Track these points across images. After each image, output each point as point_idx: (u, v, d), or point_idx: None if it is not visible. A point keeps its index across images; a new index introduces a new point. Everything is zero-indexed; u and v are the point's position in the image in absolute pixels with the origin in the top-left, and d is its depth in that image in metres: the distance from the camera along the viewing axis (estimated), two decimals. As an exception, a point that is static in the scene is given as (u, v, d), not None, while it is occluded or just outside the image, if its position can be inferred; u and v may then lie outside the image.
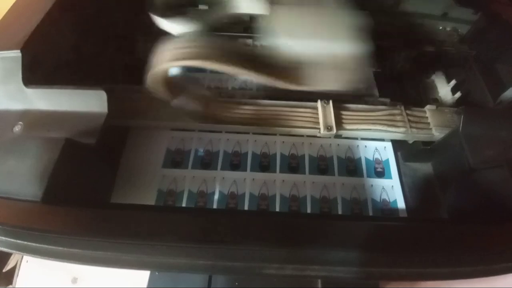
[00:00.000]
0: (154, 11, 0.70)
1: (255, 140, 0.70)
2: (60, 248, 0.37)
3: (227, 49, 0.57)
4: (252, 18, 0.83)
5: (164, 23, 0.67)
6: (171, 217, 0.41)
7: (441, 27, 0.86)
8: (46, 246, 0.37)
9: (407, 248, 0.39)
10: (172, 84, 0.61)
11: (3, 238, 0.38)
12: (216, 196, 0.64)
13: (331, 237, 0.39)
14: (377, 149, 0.71)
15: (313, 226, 0.41)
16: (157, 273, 0.67)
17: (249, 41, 0.83)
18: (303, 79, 0.58)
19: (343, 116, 0.66)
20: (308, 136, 0.70)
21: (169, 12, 0.72)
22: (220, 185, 0.65)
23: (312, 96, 0.67)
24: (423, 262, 0.38)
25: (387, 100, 0.73)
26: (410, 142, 0.68)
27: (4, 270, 0.94)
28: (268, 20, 0.63)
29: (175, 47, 0.54)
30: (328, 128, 0.63)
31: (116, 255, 0.36)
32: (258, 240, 0.38)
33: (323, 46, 0.58)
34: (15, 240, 0.38)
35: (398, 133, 0.65)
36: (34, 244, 0.37)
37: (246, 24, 0.84)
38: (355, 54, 0.57)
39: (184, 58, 0.53)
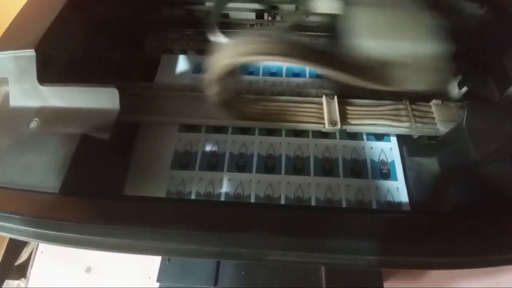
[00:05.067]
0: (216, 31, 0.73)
1: (261, 142, 0.71)
2: (77, 235, 0.39)
3: (306, 46, 0.56)
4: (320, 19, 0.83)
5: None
6: (182, 208, 0.44)
7: (447, 21, 0.86)
8: (65, 234, 0.40)
9: (407, 237, 0.41)
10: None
11: (24, 228, 0.41)
12: (222, 198, 0.65)
13: (331, 226, 0.41)
14: (382, 150, 0.71)
15: (314, 216, 0.42)
16: (167, 262, 0.69)
17: (321, 40, 0.84)
18: (386, 79, 0.58)
19: (348, 111, 0.67)
20: (313, 137, 0.71)
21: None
22: (226, 186, 0.66)
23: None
24: (423, 251, 0.39)
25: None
26: (415, 136, 0.68)
27: (16, 264, 0.98)
28: (347, 20, 0.63)
29: (254, 41, 0.53)
30: (333, 123, 0.64)
31: (130, 242, 0.38)
32: (262, 228, 0.40)
33: (404, 47, 0.59)
34: (35, 230, 0.40)
35: (403, 128, 0.65)
36: (53, 232, 0.40)
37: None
38: (436, 54, 0.58)
39: (265, 53, 0.52)
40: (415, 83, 0.57)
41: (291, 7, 0.82)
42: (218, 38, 0.76)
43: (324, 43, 0.81)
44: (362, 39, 0.59)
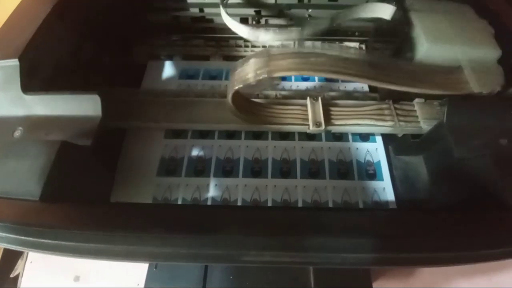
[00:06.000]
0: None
1: (247, 146, 0.71)
2: (56, 241, 0.39)
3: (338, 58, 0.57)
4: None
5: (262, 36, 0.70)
6: (159, 212, 0.44)
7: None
8: (43, 240, 0.40)
9: (383, 234, 0.41)
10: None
11: (4, 234, 0.41)
12: (209, 203, 0.65)
13: (305, 225, 0.41)
14: (368, 151, 0.72)
15: (288, 216, 0.43)
16: (154, 269, 0.69)
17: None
18: (444, 84, 0.59)
19: (332, 112, 0.67)
20: (299, 140, 0.72)
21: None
22: (213, 192, 0.66)
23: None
24: (396, 248, 0.39)
25: (377, 95, 0.75)
26: (400, 135, 0.69)
27: (11, 276, 0.97)
28: (411, 26, 0.64)
29: (288, 57, 0.56)
30: (317, 124, 0.65)
31: (107, 247, 0.39)
32: (237, 229, 0.40)
33: (466, 51, 0.60)
34: (15, 236, 0.40)
35: (387, 127, 0.66)
36: (32, 239, 0.40)
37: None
38: (494, 59, 0.60)
39: (315, 70, 0.55)
40: (475, 86, 0.58)
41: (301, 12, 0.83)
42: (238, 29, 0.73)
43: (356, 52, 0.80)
44: (431, 44, 0.60)
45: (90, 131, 0.53)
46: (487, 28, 0.64)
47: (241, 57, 0.86)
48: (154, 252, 0.39)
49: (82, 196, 0.54)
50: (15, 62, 0.56)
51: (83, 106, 0.55)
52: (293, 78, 0.83)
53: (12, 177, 0.47)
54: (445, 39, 0.61)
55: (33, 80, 0.59)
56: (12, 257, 0.99)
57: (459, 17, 0.66)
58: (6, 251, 0.99)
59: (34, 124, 0.56)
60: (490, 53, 0.61)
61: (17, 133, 0.55)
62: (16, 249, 0.41)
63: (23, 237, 0.40)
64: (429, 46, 0.60)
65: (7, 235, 0.41)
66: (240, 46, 0.88)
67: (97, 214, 0.44)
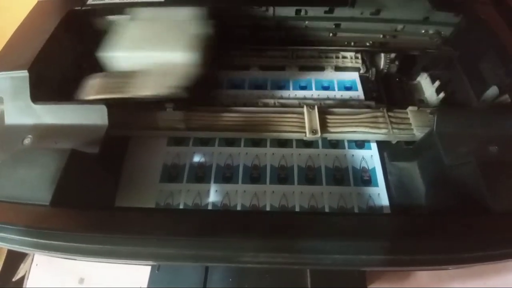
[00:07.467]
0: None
1: (246, 153, 0.73)
2: (65, 243, 0.42)
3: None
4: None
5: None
6: (161, 216, 0.47)
7: (423, 31, 0.89)
8: (54, 242, 0.42)
9: (380, 237, 0.44)
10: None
11: (17, 237, 0.43)
12: (209, 208, 0.67)
13: (302, 229, 0.43)
14: (363, 158, 0.73)
15: (285, 220, 0.45)
16: (157, 271, 0.71)
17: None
18: (139, 88, 0.64)
19: (328, 120, 0.70)
20: (297, 147, 0.74)
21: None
22: (213, 197, 0.68)
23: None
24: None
25: (372, 103, 0.77)
26: (393, 142, 0.71)
27: (14, 279, 1.00)
28: (117, 34, 0.68)
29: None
30: (313, 131, 0.67)
31: (112, 248, 0.41)
32: (236, 232, 0.43)
33: (154, 56, 0.65)
34: (27, 238, 0.43)
35: (381, 134, 0.69)
36: (43, 241, 0.43)
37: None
38: (182, 62, 0.64)
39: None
40: (155, 89, 0.62)
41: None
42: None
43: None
44: (117, 51, 0.65)
45: (97, 140, 0.55)
46: (198, 32, 0.67)
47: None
48: (156, 253, 0.41)
49: (89, 200, 0.56)
50: (24, 73, 0.59)
51: (91, 115, 0.58)
52: (291, 86, 0.85)
53: (23, 183, 0.49)
54: (135, 46, 0.66)
55: (41, 90, 0.62)
56: (15, 261, 1.01)
57: (172, 23, 0.69)
58: (9, 254, 1.01)
59: (42, 132, 0.58)
60: (177, 56, 0.64)
61: (27, 141, 0.58)
62: (27, 251, 0.44)
63: (34, 239, 0.43)
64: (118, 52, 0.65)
65: (20, 237, 0.43)
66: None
67: (103, 217, 0.46)
